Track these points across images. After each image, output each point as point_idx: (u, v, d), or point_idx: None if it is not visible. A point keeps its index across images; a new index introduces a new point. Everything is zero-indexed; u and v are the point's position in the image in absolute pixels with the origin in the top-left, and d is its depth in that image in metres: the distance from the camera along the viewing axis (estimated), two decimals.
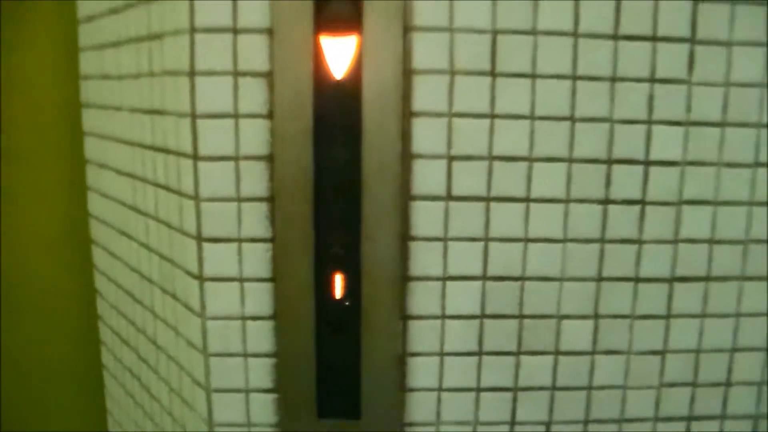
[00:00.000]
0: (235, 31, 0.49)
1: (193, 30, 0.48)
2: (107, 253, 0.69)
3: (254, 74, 0.50)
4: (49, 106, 0.79)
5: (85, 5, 0.67)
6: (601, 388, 0.57)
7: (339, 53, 0.49)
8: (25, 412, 0.85)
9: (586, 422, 0.57)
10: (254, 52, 0.50)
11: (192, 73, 0.49)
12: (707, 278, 0.56)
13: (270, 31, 0.49)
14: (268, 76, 0.50)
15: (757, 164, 0.54)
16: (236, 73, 0.50)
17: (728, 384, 0.58)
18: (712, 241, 0.56)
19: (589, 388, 0.57)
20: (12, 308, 0.84)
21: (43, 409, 0.85)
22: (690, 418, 0.58)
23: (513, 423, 0.57)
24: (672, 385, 0.58)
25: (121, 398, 0.72)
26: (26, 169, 0.80)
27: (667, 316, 0.57)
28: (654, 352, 0.57)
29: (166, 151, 0.53)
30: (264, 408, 0.55)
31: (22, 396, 0.85)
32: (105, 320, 0.73)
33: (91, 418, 0.82)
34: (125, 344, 0.68)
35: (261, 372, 0.55)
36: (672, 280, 0.56)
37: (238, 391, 0.55)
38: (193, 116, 0.50)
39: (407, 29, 0.50)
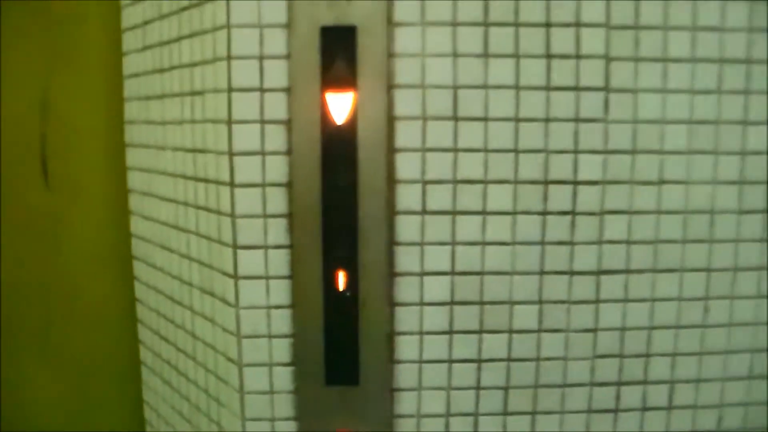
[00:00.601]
0: (262, 90, 0.63)
1: (230, 89, 0.63)
2: (148, 266, 0.83)
3: (276, 122, 0.63)
4: (97, 146, 0.92)
5: (131, 65, 0.82)
6: (547, 359, 0.68)
7: (340, 105, 0.62)
8: (70, 403, 0.98)
9: (535, 387, 0.68)
10: (276, 106, 0.63)
11: (229, 122, 0.63)
12: (627, 271, 0.67)
13: (288, 90, 0.63)
14: (287, 123, 0.63)
15: (661, 182, 0.66)
16: (263, 122, 0.63)
17: (648, 355, 0.69)
18: (629, 242, 0.67)
19: (537, 359, 0.68)
20: (63, 315, 0.96)
21: (87, 400, 0.97)
22: (619, 383, 0.69)
23: (478, 388, 0.68)
24: (603, 356, 0.68)
25: (158, 387, 0.85)
26: (77, 198, 0.94)
27: (597, 301, 0.67)
28: (587, 330, 0.68)
29: (206, 180, 0.68)
30: (284, 378, 0.67)
31: (70, 389, 0.98)
32: (144, 323, 0.87)
33: (129, 407, 0.94)
34: (164, 340, 0.82)
35: (281, 349, 0.67)
36: (599, 272, 0.67)
37: (263, 365, 0.67)
38: (231, 154, 0.64)
39: (390, 87, 0.63)
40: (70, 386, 0.97)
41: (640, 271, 0.68)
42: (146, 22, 0.76)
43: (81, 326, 0.96)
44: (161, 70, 0.74)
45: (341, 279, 0.65)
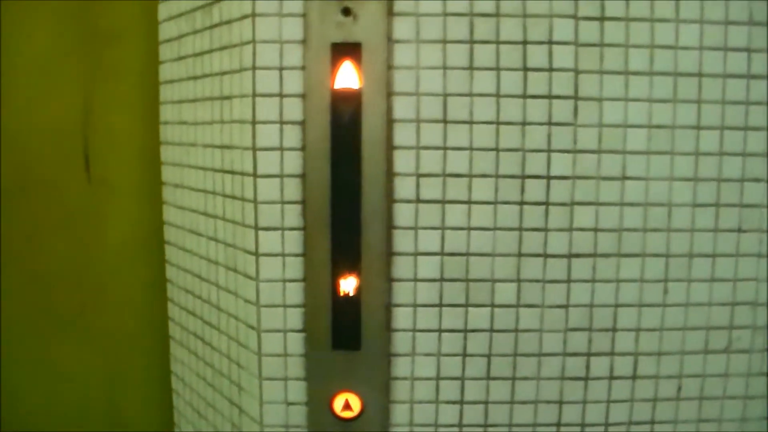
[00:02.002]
0: (281, 96, 0.72)
1: (254, 95, 0.73)
2: (178, 249, 0.94)
3: (293, 123, 0.73)
4: (134, 145, 1.04)
5: (166, 73, 0.94)
6: (524, 331, 0.75)
7: (347, 108, 0.71)
8: (104, 375, 1.09)
9: (515, 355, 0.76)
10: (293, 109, 0.72)
11: (254, 122, 0.73)
12: (594, 255, 0.74)
13: (303, 96, 0.72)
14: (302, 123, 0.72)
15: (624, 178, 0.73)
16: (282, 122, 0.73)
17: (614, 330, 0.76)
18: (596, 230, 0.74)
19: (516, 330, 0.75)
20: (100, 296, 1.07)
21: (120, 372, 1.08)
22: (588, 354, 0.76)
23: (464, 355, 0.75)
24: (574, 330, 0.75)
25: (184, 358, 0.96)
26: (115, 191, 1.05)
27: (568, 281, 0.75)
28: (560, 306, 0.75)
29: (233, 172, 0.78)
30: (296, 342, 0.76)
31: (104, 363, 1.09)
32: (174, 301, 0.98)
33: (157, 378, 1.05)
34: (191, 315, 0.93)
35: (294, 318, 0.76)
36: (570, 256, 0.74)
37: (278, 331, 0.76)
38: (254, 149, 0.73)
39: (390, 94, 0.71)
40: (104, 360, 1.08)
41: (606, 255, 0.75)
42: (181, 36, 0.88)
43: (115, 306, 1.07)
44: (194, 78, 0.86)
45: (346, 257, 0.74)
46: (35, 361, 1.10)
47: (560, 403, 0.78)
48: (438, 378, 0.77)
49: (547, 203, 0.75)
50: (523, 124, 0.74)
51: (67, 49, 1.03)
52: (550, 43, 0.73)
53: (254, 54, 0.73)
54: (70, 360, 1.09)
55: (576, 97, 0.73)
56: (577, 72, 0.73)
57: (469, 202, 0.74)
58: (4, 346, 1.09)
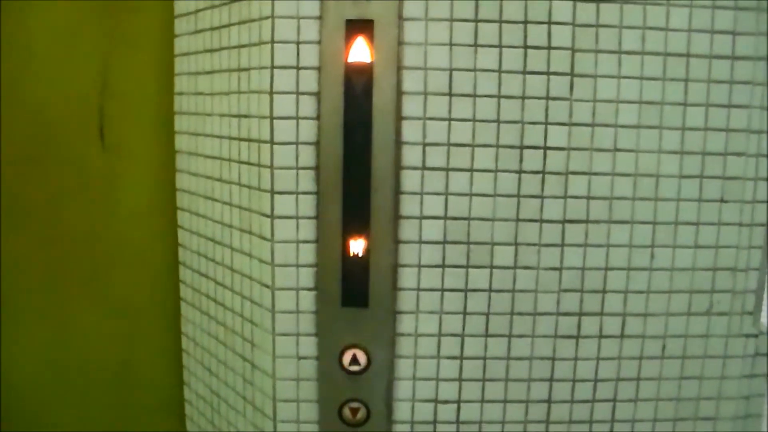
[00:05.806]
0: (298, 68, 0.79)
1: (273, 67, 0.80)
2: (191, 214, 1.01)
3: (309, 93, 0.79)
4: (148, 114, 1.10)
5: (182, 46, 1.01)
6: (521, 291, 0.81)
7: (359, 81, 0.77)
8: (116, 336, 1.16)
9: (511, 314, 0.82)
10: (309, 81, 0.78)
11: (271, 93, 0.80)
12: (587, 221, 0.80)
13: (319, 68, 0.78)
14: (317, 94, 0.78)
15: (616, 150, 0.80)
16: (298, 93, 0.79)
17: (604, 291, 0.82)
18: (588, 198, 0.80)
19: (513, 291, 0.81)
20: (113, 260, 1.14)
21: (131, 333, 1.16)
22: (580, 314, 0.82)
23: (465, 313, 0.82)
24: (567, 291, 0.82)
25: (196, 319, 1.03)
26: (128, 159, 1.12)
27: (562, 245, 0.81)
28: (554, 269, 0.81)
29: (249, 140, 0.85)
30: (308, 300, 0.82)
31: (116, 324, 1.16)
32: (186, 264, 1.05)
33: (167, 339, 1.12)
34: (204, 277, 1.00)
35: (307, 276, 0.82)
36: (564, 221, 0.80)
37: (292, 289, 0.82)
38: (271, 118, 0.80)
39: (399, 68, 0.77)
40: (117, 321, 1.15)
41: (597, 222, 0.81)
42: (198, 11, 0.95)
43: (128, 269, 1.14)
44: (211, 50, 0.93)
45: (356, 220, 0.79)
46: (51, 320, 1.17)
47: (553, 359, 0.85)
48: (440, 335, 0.83)
49: (543, 172, 0.81)
50: (523, 98, 0.79)
51: (85, 17, 1.09)
52: (550, 23, 0.79)
53: (273, 29, 0.79)
54: (84, 320, 1.16)
55: (572, 74, 0.79)
56: (573, 50, 0.79)
57: (471, 170, 0.80)
58: (21, 306, 1.16)
